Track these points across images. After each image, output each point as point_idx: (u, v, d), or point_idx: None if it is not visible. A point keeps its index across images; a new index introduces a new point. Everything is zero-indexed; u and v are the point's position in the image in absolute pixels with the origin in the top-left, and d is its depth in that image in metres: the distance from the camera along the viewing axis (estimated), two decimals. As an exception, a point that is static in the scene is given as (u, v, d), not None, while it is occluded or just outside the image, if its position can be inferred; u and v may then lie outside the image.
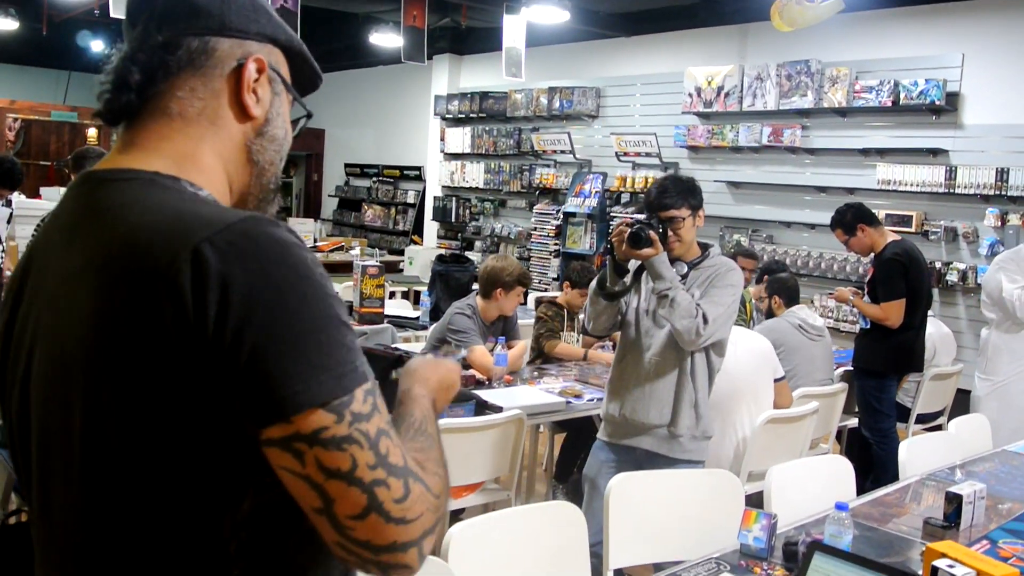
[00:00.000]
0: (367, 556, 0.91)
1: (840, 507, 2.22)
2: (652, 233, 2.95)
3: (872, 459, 4.63)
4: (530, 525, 2.38)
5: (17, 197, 6.74)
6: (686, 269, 3.12)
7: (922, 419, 5.10)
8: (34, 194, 8.81)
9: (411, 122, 11.79)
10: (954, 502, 2.61)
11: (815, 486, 2.87)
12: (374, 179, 12.57)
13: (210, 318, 0.86)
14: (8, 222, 5.77)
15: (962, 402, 5.22)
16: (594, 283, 3.18)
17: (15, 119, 12.00)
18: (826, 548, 1.85)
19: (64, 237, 1.00)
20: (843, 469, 3.09)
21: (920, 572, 2.07)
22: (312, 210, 13.85)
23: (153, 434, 0.90)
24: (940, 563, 2.03)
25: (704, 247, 3.20)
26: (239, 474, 0.92)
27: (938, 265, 6.47)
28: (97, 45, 11.51)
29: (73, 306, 0.95)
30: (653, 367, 3.10)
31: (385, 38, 8.96)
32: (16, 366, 1.02)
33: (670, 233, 3.05)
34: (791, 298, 4.80)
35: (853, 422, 5.01)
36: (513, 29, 7.66)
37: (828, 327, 6.87)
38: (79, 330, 0.93)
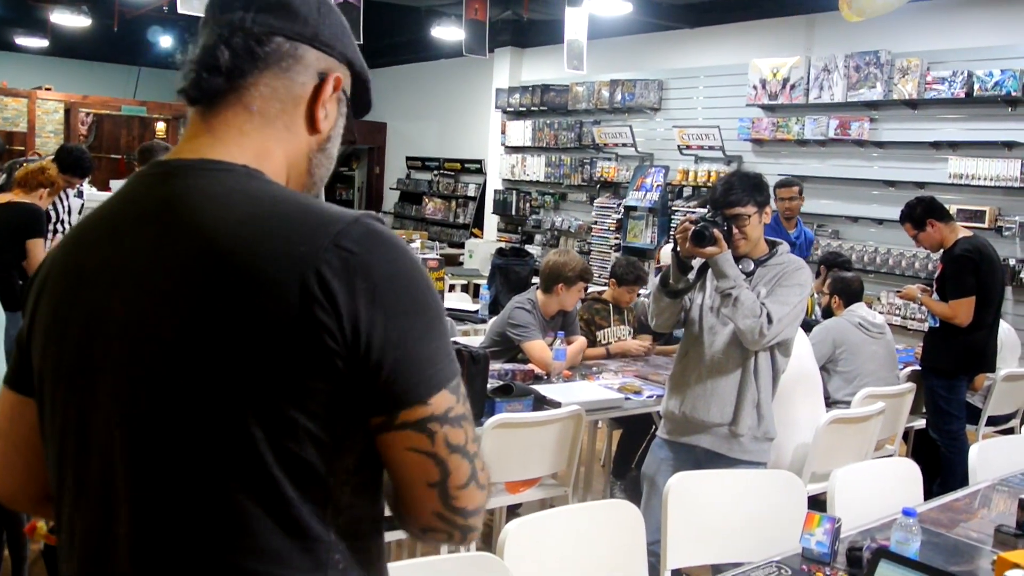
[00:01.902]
0: (460, 522, 1.01)
1: (908, 512, 2.16)
2: (716, 231, 2.90)
3: (939, 462, 4.51)
4: (587, 523, 2.36)
5: (88, 189, 6.92)
6: (753, 267, 3.05)
7: (993, 421, 4.95)
8: (104, 187, 9.03)
9: (472, 115, 11.82)
10: (1027, 509, 2.53)
11: (880, 489, 2.80)
12: (435, 172, 12.63)
13: (357, 306, 0.92)
14: (79, 212, 5.92)
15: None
16: (657, 280, 3.13)
17: (87, 114, 12.31)
18: (892, 555, 1.80)
19: (135, 225, 0.99)
20: (910, 472, 3.01)
21: (991, 582, 2.00)
22: (374, 203, 13.98)
23: (263, 417, 0.92)
24: (1012, 573, 1.97)
25: (772, 244, 3.13)
26: (343, 460, 0.97)
27: (1012, 262, 6.26)
28: (166, 41, 11.77)
29: (167, 293, 0.94)
30: (715, 365, 3.05)
31: (447, 31, 9.00)
32: (59, 353, 1.02)
33: (735, 231, 3.00)
34: (852, 298, 4.70)
35: (920, 423, 4.89)
36: (575, 21, 7.62)
37: (896, 325, 6.76)
38: (176, 319, 0.93)
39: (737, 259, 3.01)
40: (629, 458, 4.71)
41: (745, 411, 3.02)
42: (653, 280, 3.22)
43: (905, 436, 5.08)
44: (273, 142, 1.04)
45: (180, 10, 5.64)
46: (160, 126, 12.60)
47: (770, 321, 2.88)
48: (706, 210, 3.10)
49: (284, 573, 0.95)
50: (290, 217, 0.95)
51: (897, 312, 6.93)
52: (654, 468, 3.17)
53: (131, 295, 0.97)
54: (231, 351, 0.92)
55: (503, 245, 8.15)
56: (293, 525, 0.95)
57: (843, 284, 4.78)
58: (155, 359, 0.95)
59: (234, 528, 0.94)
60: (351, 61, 1.12)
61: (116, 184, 8.69)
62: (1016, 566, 2.01)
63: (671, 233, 3.09)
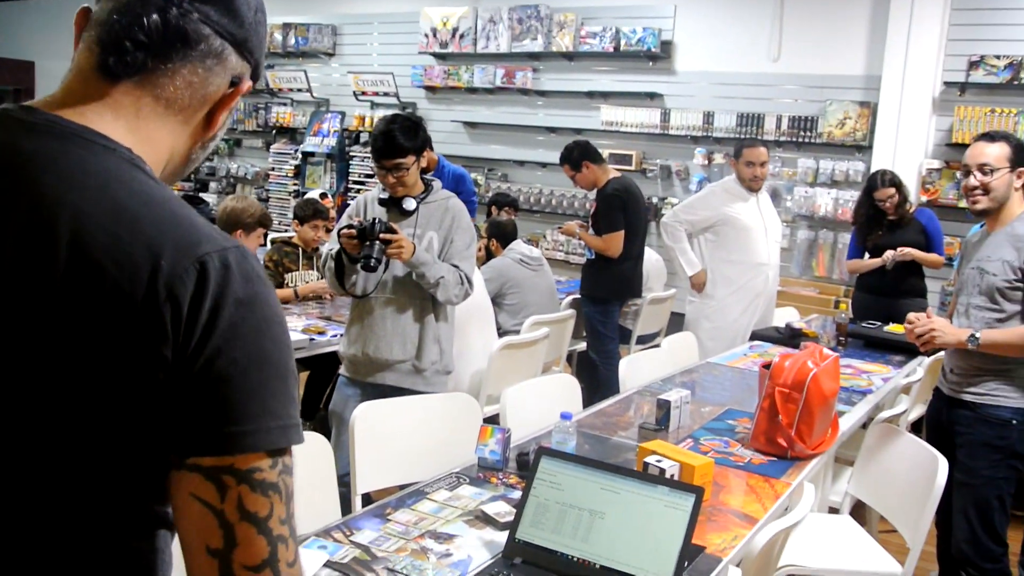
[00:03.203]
0: None
1: (564, 416, 2.45)
2: (391, 225, 3.05)
3: (599, 378, 5.04)
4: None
5: None
6: (415, 204, 3.21)
7: (642, 340, 5.58)
8: None
9: (133, 56, 11.01)
10: (664, 408, 2.94)
11: (546, 403, 3.10)
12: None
13: (195, 332, 0.83)
14: None
15: (676, 323, 5.76)
16: (331, 265, 3.20)
17: None
18: (552, 452, 2.05)
19: None
20: (570, 386, 3.38)
21: (634, 468, 2.34)
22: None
23: (76, 420, 0.84)
24: (650, 459, 2.30)
25: (427, 182, 3.30)
26: (141, 492, 0.89)
27: (655, 200, 7.03)
28: None
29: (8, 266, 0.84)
30: (397, 305, 3.21)
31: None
32: None
33: (393, 178, 3.14)
34: (507, 239, 5.11)
35: (582, 346, 5.41)
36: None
37: (560, 260, 7.35)
38: (18, 298, 0.84)
39: (399, 199, 3.17)
40: (317, 399, 4.79)
41: (428, 347, 3.23)
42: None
43: (569, 358, 5.59)
44: (165, 132, 0.98)
45: None
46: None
47: (469, 282, 3.14)
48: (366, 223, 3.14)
49: None
50: (161, 223, 0.87)
51: (561, 248, 7.53)
52: (341, 405, 3.29)
53: None
54: (60, 346, 0.83)
55: (177, 193, 7.77)
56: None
57: (498, 228, 5.18)
58: None
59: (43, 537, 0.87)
60: (258, 67, 1.06)
61: None
62: (653, 452, 2.36)
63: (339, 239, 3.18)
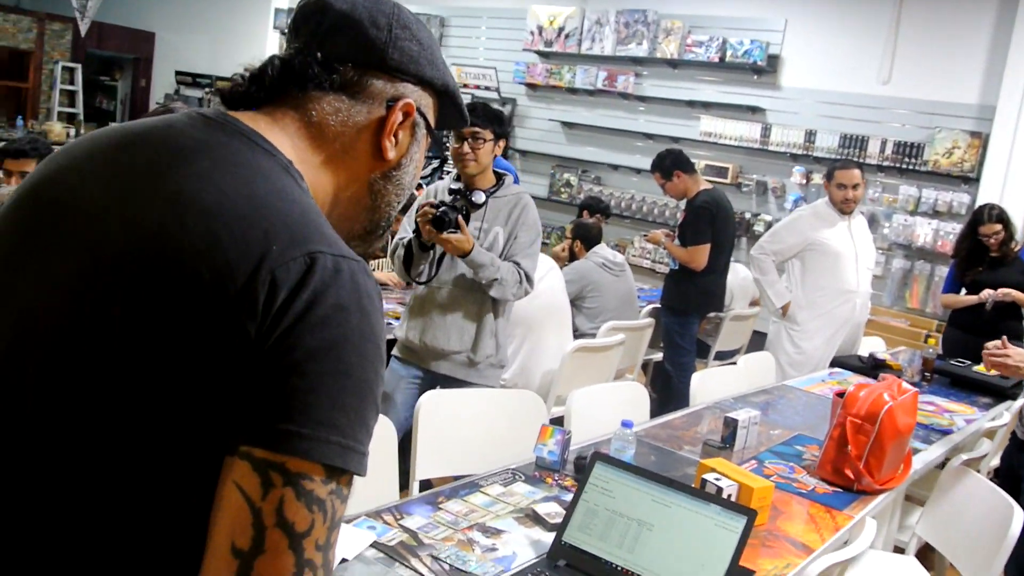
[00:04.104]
0: None
1: (625, 424, 2.43)
2: (459, 217, 3.04)
3: (672, 390, 4.99)
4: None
5: None
6: (484, 198, 3.22)
7: (721, 356, 5.50)
8: None
9: (248, 34, 11.33)
10: (730, 426, 2.90)
11: (611, 410, 3.09)
12: (207, 90, 12.04)
13: (284, 318, 0.81)
14: None
15: (758, 342, 5.67)
16: (401, 253, 3.24)
17: None
18: (607, 458, 2.04)
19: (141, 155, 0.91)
20: (639, 395, 3.35)
21: (692, 484, 2.31)
22: (137, 116, 13.07)
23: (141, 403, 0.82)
24: (708, 476, 2.27)
25: (499, 175, 3.30)
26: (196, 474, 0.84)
27: (747, 216, 6.92)
28: None
29: (122, 228, 0.87)
30: (457, 298, 3.23)
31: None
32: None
33: (468, 147, 3.14)
34: (592, 242, 5.08)
35: (659, 356, 5.36)
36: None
37: (646, 268, 7.29)
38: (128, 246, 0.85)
39: (470, 190, 3.19)
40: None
41: (484, 340, 3.25)
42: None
43: (645, 367, 5.56)
44: (323, 157, 1.00)
45: None
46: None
47: (530, 281, 3.16)
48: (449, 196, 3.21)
49: None
50: (287, 217, 0.87)
51: (648, 256, 7.47)
52: (392, 386, 3.33)
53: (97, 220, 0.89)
54: (154, 302, 0.83)
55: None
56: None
57: (584, 230, 5.16)
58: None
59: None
60: (430, 82, 1.06)
61: None
62: (712, 470, 2.33)
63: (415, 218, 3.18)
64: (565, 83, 7.92)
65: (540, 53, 8.14)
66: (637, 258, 7.52)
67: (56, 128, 10.45)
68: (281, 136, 0.97)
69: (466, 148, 3.14)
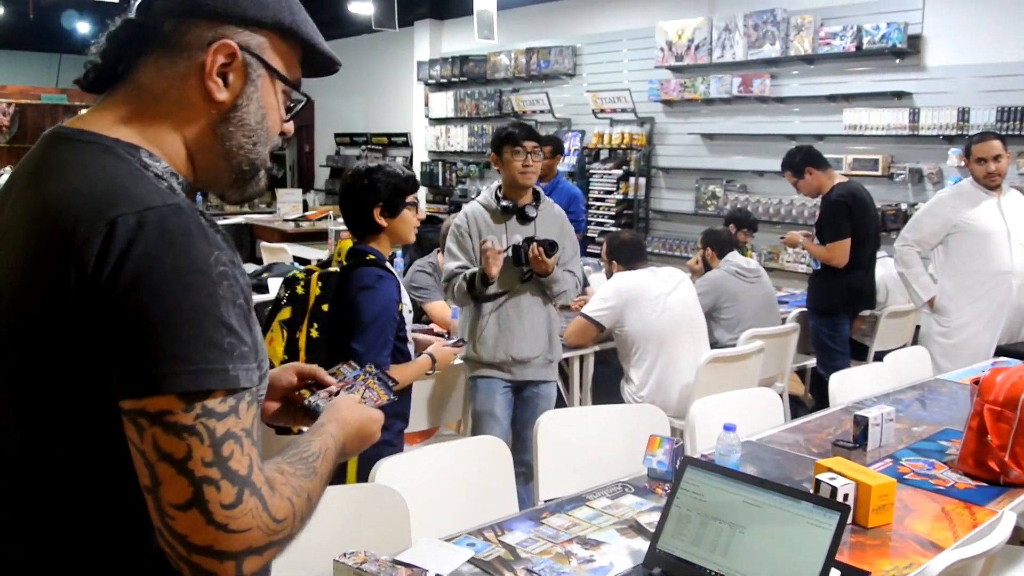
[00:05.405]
0: (181, 552, 0.92)
1: (728, 428, 2.38)
2: (532, 249, 3.38)
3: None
4: (463, 455, 2.55)
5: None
6: (535, 213, 3.50)
7: (881, 357, 5.22)
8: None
9: (396, 89, 11.87)
10: (861, 424, 2.77)
11: (737, 417, 3.01)
12: (363, 147, 12.68)
13: (98, 286, 0.92)
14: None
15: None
16: (463, 285, 3.44)
17: (8, 104, 12.15)
18: (697, 462, 2.01)
19: (21, 184, 1.06)
20: (769, 401, 3.25)
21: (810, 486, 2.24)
22: (305, 181, 13.97)
23: (53, 387, 0.97)
24: (823, 476, 2.19)
25: (535, 191, 3.57)
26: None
27: (903, 207, 6.56)
28: (84, 26, 11.60)
29: (8, 253, 1.01)
30: (530, 309, 3.52)
31: (363, 6, 9.06)
32: None
33: (531, 162, 3.42)
34: (724, 248, 4.96)
35: (814, 362, 5.16)
36: (483, -9, 7.73)
37: (802, 273, 7.03)
38: (6, 278, 1.00)
39: (517, 206, 3.48)
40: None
41: (554, 340, 3.58)
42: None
43: (803, 374, 5.36)
44: (160, 118, 1.08)
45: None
46: (84, 112, 12.45)
47: (585, 283, 3.55)
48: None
49: None
50: (95, 194, 0.97)
51: (802, 260, 7.21)
52: (490, 404, 3.51)
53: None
54: (16, 320, 0.99)
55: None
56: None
57: (714, 236, 5.04)
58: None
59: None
60: (259, 22, 1.10)
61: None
62: (829, 470, 2.24)
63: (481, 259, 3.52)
64: (700, 95, 7.81)
65: (672, 68, 8.08)
66: (792, 264, 7.28)
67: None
68: (110, 121, 1.07)
69: (528, 162, 3.41)
